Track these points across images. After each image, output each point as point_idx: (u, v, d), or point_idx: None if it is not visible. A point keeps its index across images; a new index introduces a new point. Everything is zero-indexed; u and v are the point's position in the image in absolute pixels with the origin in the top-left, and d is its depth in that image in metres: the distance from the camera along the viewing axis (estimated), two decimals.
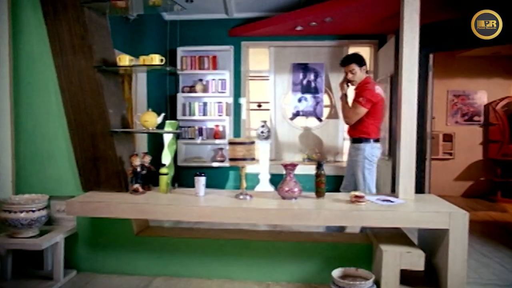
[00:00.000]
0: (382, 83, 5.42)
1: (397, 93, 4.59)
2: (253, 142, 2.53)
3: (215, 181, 6.12)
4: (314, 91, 6.31)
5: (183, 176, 5.50)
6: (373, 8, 4.57)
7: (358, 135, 3.23)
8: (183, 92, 6.08)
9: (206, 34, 6.08)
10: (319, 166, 2.50)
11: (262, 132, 5.69)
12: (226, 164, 6.03)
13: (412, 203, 2.37)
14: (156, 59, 2.61)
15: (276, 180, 5.20)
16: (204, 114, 5.99)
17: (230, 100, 6.03)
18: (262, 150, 5.62)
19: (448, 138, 6.08)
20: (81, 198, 2.49)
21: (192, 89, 6.03)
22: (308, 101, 6.32)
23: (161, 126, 5.64)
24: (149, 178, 2.73)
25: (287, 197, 2.45)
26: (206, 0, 5.62)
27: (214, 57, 5.94)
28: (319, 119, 6.48)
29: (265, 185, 5.65)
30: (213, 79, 5.99)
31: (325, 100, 6.44)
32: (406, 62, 2.46)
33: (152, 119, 2.71)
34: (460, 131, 6.09)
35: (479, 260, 3.13)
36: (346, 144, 6.63)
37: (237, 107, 6.15)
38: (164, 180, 2.66)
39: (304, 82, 6.30)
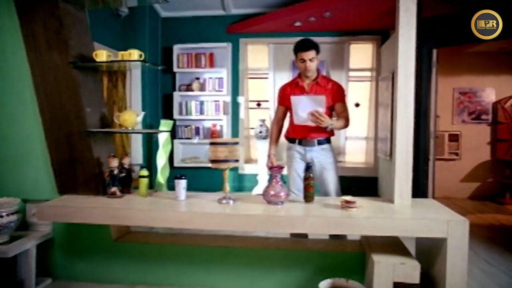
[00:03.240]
0: (385, 81, 5.22)
1: None
2: (236, 143, 2.36)
3: (212, 182, 5.96)
4: None
5: None
6: (373, 2, 4.38)
7: (327, 135, 2.81)
8: (180, 90, 5.93)
9: (203, 31, 5.92)
10: (307, 168, 2.32)
11: (260, 131, 5.51)
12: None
13: (407, 209, 2.18)
14: (134, 55, 2.45)
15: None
16: (201, 113, 5.84)
17: (228, 98, 5.87)
18: (261, 150, 5.45)
19: (454, 137, 5.84)
20: (53, 203, 2.34)
21: (189, 87, 5.88)
22: None
23: (156, 125, 5.52)
24: (129, 181, 2.57)
25: (272, 201, 2.27)
26: None
27: (211, 55, 5.78)
28: None
29: (264, 186, 5.47)
30: (210, 77, 5.83)
31: None
32: (402, 56, 2.28)
33: (131, 118, 2.54)
34: (467, 130, 5.84)
35: (483, 269, 2.92)
36: (349, 144, 6.44)
37: (235, 106, 5.98)
38: (144, 183, 2.50)
39: None
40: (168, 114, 5.93)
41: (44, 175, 2.59)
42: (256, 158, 6.27)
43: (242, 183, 6.03)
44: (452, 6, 4.15)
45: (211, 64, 5.78)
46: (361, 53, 6.06)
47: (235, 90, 5.96)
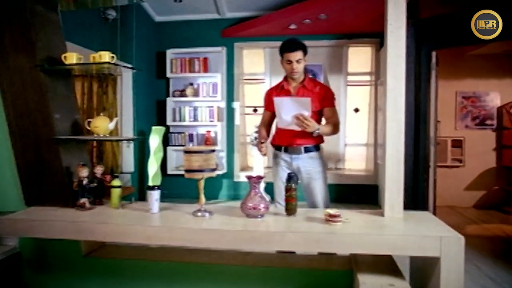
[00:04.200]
0: (383, 85, 5.03)
1: None
2: (212, 151, 2.18)
3: (207, 190, 5.79)
4: None
5: (173, 185, 5.19)
6: (370, 3, 4.21)
7: (315, 142, 2.62)
8: (173, 96, 5.79)
9: (197, 35, 5.80)
10: (289, 179, 2.14)
11: (256, 138, 5.33)
12: (218, 172, 5.70)
13: (398, 224, 1.98)
14: (105, 57, 2.30)
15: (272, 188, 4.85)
16: (195, 120, 5.69)
17: (222, 104, 5.72)
18: (257, 157, 5.26)
19: (457, 143, 5.61)
20: (15, 215, 2.17)
21: (182, 93, 5.74)
22: None
23: (147, 132, 5.35)
24: (101, 191, 2.41)
25: (251, 215, 2.09)
26: None
27: (205, 59, 5.64)
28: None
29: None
30: (204, 82, 5.68)
31: None
32: (392, 56, 2.09)
33: (103, 125, 2.38)
34: (471, 136, 5.62)
35: (486, 287, 2.70)
36: (348, 150, 6.24)
37: (230, 111, 5.82)
38: (116, 193, 2.33)
39: None
40: (162, 120, 5.78)
41: (12, 186, 2.42)
42: (252, 165, 6.08)
43: (237, 191, 5.85)
44: (451, 6, 3.97)
45: (205, 69, 5.64)
46: (360, 57, 5.89)
47: (230, 95, 5.81)
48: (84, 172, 2.28)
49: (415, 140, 4.12)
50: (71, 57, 2.33)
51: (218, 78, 5.60)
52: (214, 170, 2.19)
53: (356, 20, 4.85)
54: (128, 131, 5.17)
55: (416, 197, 4.19)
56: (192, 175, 2.14)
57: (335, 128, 2.55)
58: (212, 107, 5.62)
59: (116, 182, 2.35)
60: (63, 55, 2.33)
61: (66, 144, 2.38)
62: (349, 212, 2.20)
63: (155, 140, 5.11)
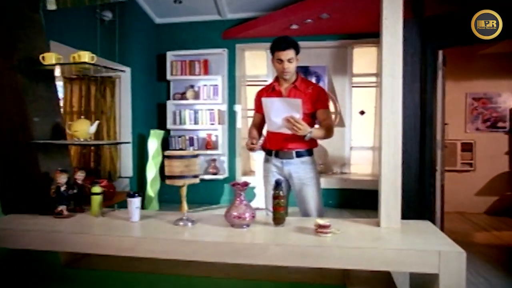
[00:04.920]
0: None
1: (403, 97, 4.03)
2: (195, 156, 2.04)
3: (208, 195, 5.67)
4: None
5: (174, 190, 5.07)
6: (372, 2, 4.03)
7: (307, 146, 2.44)
8: (174, 99, 5.68)
9: (198, 37, 5.69)
10: (277, 185, 1.99)
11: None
12: (220, 176, 5.57)
13: (394, 236, 1.81)
14: (85, 57, 2.19)
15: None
16: (196, 123, 5.57)
17: (224, 107, 5.59)
18: (259, 161, 5.12)
19: (467, 147, 5.37)
20: None
21: (183, 96, 5.63)
22: None
23: (146, 136, 5.26)
24: (82, 198, 2.29)
25: (236, 224, 1.94)
26: (196, 0, 5.23)
27: (206, 61, 5.52)
28: None
29: (262, 200, 5.14)
30: (205, 85, 5.56)
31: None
32: (387, 53, 1.93)
33: (82, 128, 2.28)
34: (482, 139, 5.37)
35: None
36: (354, 154, 6.05)
37: (232, 115, 5.69)
38: (96, 201, 2.21)
39: None
40: (162, 123, 5.68)
41: None
42: (254, 169, 5.95)
43: None
44: (458, 3, 3.78)
45: (206, 71, 5.52)
46: (365, 58, 5.71)
47: (232, 98, 5.68)
48: (62, 178, 2.16)
49: (420, 144, 3.92)
50: (50, 58, 2.23)
51: (219, 80, 5.48)
52: (196, 176, 2.05)
53: (359, 19, 4.68)
54: (126, 134, 5.07)
55: (422, 203, 3.98)
56: (173, 181, 2.01)
57: (328, 131, 2.38)
58: (212, 110, 5.50)
59: (96, 189, 2.23)
60: (41, 56, 2.23)
61: (46, 149, 2.27)
62: (342, 222, 2.04)
63: (153, 144, 5.03)
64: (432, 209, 3.95)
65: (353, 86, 5.82)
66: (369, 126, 5.87)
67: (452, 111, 5.13)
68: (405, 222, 2.01)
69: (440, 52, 3.86)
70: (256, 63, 5.94)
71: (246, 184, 1.98)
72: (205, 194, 5.45)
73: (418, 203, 3.98)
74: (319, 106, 2.41)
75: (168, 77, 5.60)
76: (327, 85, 5.71)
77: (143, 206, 5.18)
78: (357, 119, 5.90)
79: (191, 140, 5.57)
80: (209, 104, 5.55)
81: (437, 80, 3.89)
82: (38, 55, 2.34)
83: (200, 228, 1.97)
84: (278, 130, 2.31)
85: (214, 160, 5.59)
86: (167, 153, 2.03)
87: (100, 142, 2.49)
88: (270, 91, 2.52)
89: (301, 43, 5.51)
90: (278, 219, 1.97)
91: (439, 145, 3.92)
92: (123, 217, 2.18)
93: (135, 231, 1.95)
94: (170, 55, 5.59)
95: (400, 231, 1.88)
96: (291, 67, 2.37)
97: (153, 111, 5.77)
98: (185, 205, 2.06)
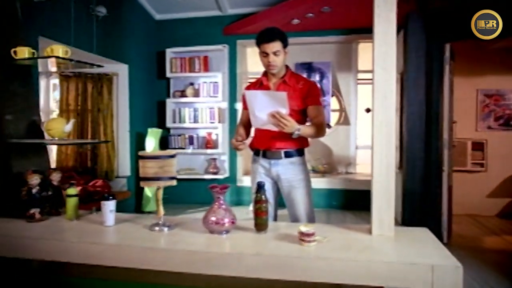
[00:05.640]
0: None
1: (407, 93, 3.82)
2: (172, 156, 1.90)
3: (209, 195, 5.52)
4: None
5: (174, 190, 4.95)
6: None
7: (297, 146, 2.28)
8: (174, 97, 5.56)
9: (198, 33, 5.55)
10: (259, 189, 1.83)
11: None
12: (220, 176, 5.44)
13: (385, 245, 1.64)
14: (57, 51, 2.06)
15: None
16: (195, 121, 5.43)
17: (224, 105, 5.44)
18: None
19: (478, 146, 5.12)
20: None
21: (183, 93, 5.50)
22: None
23: (144, 135, 5.14)
24: (58, 200, 2.16)
25: (215, 230, 1.80)
26: None
27: (206, 58, 5.38)
28: (328, 126, 5.74)
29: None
30: (205, 82, 5.42)
31: (333, 103, 5.71)
32: (379, 43, 1.76)
33: (57, 127, 2.14)
34: (494, 137, 5.11)
35: None
36: (360, 154, 5.85)
37: (233, 113, 5.53)
38: (71, 203, 2.08)
39: None
40: (162, 122, 5.56)
41: None
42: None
43: (240, 197, 5.56)
44: None
45: (206, 68, 5.38)
46: (371, 53, 5.48)
47: (233, 95, 5.53)
48: (33, 180, 2.04)
49: (426, 143, 3.72)
50: (22, 52, 2.11)
51: (219, 77, 5.33)
52: (173, 178, 1.90)
53: (363, 13, 4.44)
54: (124, 133, 4.97)
55: (428, 205, 3.79)
56: (147, 183, 1.87)
57: (319, 129, 2.21)
58: (212, 108, 5.36)
59: (71, 191, 2.10)
60: (12, 50, 2.10)
61: (19, 149, 2.16)
62: (330, 228, 1.88)
63: (151, 142, 4.90)
64: (438, 211, 3.74)
65: (358, 83, 5.62)
66: None
67: (462, 108, 4.90)
68: (400, 229, 1.84)
69: (447, 46, 3.65)
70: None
71: (225, 187, 1.83)
72: (205, 194, 5.29)
73: (423, 205, 3.79)
74: (309, 102, 2.24)
75: (168, 74, 5.48)
76: (331, 81, 5.52)
77: (140, 207, 5.09)
78: (363, 117, 5.69)
79: (190, 139, 5.44)
80: (209, 102, 5.41)
81: (444, 76, 3.68)
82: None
83: (175, 235, 1.82)
84: (263, 127, 2.15)
85: (214, 159, 5.45)
86: (140, 153, 1.89)
87: (76, 141, 2.37)
88: (258, 86, 2.36)
89: (305, 39, 5.39)
90: (260, 225, 1.82)
91: (446, 144, 3.71)
92: (98, 221, 2.05)
93: (104, 237, 1.82)
94: (169, 52, 5.47)
95: (393, 239, 1.70)
96: (277, 61, 2.20)
97: (152, 109, 5.66)
98: (161, 209, 1.92)
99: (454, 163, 4.25)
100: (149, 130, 4.97)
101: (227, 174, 5.52)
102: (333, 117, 5.77)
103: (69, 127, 2.18)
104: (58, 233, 1.87)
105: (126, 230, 1.91)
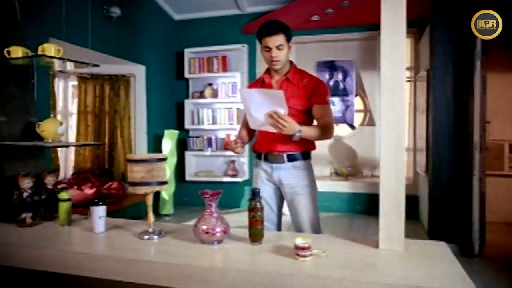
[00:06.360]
0: (421, 81, 4.35)
1: (433, 92, 3.55)
2: (161, 159, 1.77)
3: (228, 198, 5.40)
4: (343, 93, 5.37)
5: (193, 192, 4.87)
6: None
7: (301, 149, 2.08)
8: (193, 98, 5.48)
9: (217, 33, 5.45)
10: (253, 195, 1.67)
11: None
12: (240, 179, 5.30)
13: (391, 263, 1.44)
14: (49, 50, 1.98)
15: None
16: (214, 123, 5.32)
17: (243, 106, 5.29)
18: None
19: None
20: None
21: (202, 94, 5.42)
22: (336, 105, 5.39)
23: (161, 137, 5.08)
24: (52, 204, 2.09)
25: (205, 240, 1.65)
26: None
27: (224, 58, 5.27)
28: (352, 127, 5.50)
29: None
30: (223, 83, 5.31)
31: (357, 103, 5.46)
32: (387, 33, 1.57)
33: (50, 129, 2.08)
34: None
35: None
36: None
37: None
38: (64, 208, 1.99)
39: (331, 83, 5.39)
40: (182, 123, 5.50)
41: None
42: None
43: None
44: None
45: (224, 68, 5.27)
46: None
47: None
48: (25, 183, 1.98)
49: (454, 145, 3.42)
50: (16, 51, 2.05)
51: (237, 77, 5.20)
52: (162, 183, 1.78)
53: None
54: (141, 134, 4.93)
55: (456, 213, 3.49)
56: (134, 189, 1.74)
57: (325, 131, 2.00)
58: (231, 108, 5.23)
59: (64, 195, 2.01)
60: (5, 50, 2.05)
61: (13, 151, 2.10)
62: (335, 240, 1.70)
63: (168, 144, 4.83)
64: (469, 220, 3.44)
65: None
66: None
67: (497, 107, 4.53)
68: (413, 243, 1.63)
69: (479, 39, 3.34)
70: None
71: (217, 193, 1.68)
72: (224, 197, 5.14)
73: (452, 213, 3.49)
74: (315, 101, 2.04)
75: (186, 75, 5.41)
76: (355, 80, 5.27)
77: (157, 209, 5.03)
78: None
79: (209, 140, 5.34)
80: (228, 103, 5.29)
81: (475, 72, 3.38)
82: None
83: (163, 244, 1.69)
84: (260, 128, 1.98)
85: (233, 161, 5.33)
86: (128, 156, 1.77)
87: (69, 144, 2.30)
88: (259, 85, 2.20)
89: (327, 36, 5.17)
90: (254, 235, 1.65)
91: (477, 146, 3.40)
92: (90, 226, 1.95)
93: (89, 246, 1.71)
94: (187, 52, 5.40)
95: (401, 256, 1.49)
96: (280, 56, 2.03)
97: (171, 111, 5.60)
98: (151, 216, 1.79)
99: (488, 167, 3.90)
100: (166, 131, 4.91)
101: (246, 177, 5.37)
102: (358, 118, 5.51)
103: (62, 129, 2.10)
104: (44, 239, 1.78)
105: (114, 238, 1.80)
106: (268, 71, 2.18)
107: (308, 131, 1.93)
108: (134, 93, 4.89)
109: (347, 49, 5.28)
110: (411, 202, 4.88)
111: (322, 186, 5.41)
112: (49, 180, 2.11)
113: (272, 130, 1.89)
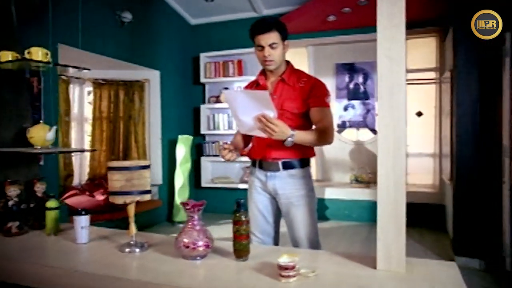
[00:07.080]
0: (446, 83, 4.07)
1: (457, 93, 3.29)
2: (144, 167, 1.66)
3: (245, 204, 5.28)
4: (364, 96, 5.15)
5: (209, 199, 4.78)
6: None
7: (298, 156, 1.92)
8: (209, 102, 5.41)
9: (233, 37, 5.35)
10: (238, 207, 1.52)
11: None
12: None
13: (387, 286, 1.25)
14: (37, 54, 1.93)
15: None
16: (230, 128, 5.22)
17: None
18: None
19: None
20: None
21: (218, 99, 5.34)
22: (357, 109, 5.17)
23: (174, 142, 5.01)
24: (39, 213, 2.02)
25: (186, 255, 1.52)
26: None
27: (240, 62, 5.17)
28: (373, 131, 5.26)
29: None
30: (239, 87, 5.20)
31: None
32: (383, 26, 1.41)
33: (39, 135, 2.01)
34: None
35: None
36: (410, 162, 5.25)
37: None
38: (51, 217, 1.92)
39: (351, 85, 5.18)
40: (199, 128, 5.43)
41: None
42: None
43: None
44: None
45: (240, 72, 5.17)
46: (421, 50, 4.93)
47: None
48: (11, 191, 1.93)
49: (481, 150, 3.14)
50: (6, 56, 2.00)
51: None
52: (146, 192, 1.66)
53: (409, 4, 3.97)
54: (156, 140, 4.89)
55: (484, 224, 3.20)
56: (114, 199, 1.64)
57: (322, 135, 1.83)
58: None
59: (52, 203, 1.94)
60: None
61: (4, 158, 2.05)
62: (329, 258, 1.53)
63: (181, 150, 4.76)
64: (498, 232, 3.14)
65: (407, 84, 5.05)
66: (428, 129, 5.06)
67: None
68: (417, 262, 1.44)
69: (508, 35, 3.06)
70: (296, 61, 5.41)
71: (200, 204, 1.55)
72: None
73: (477, 224, 3.21)
74: (312, 104, 1.87)
75: (202, 79, 5.35)
76: (375, 83, 5.03)
77: (171, 216, 4.96)
78: (414, 122, 5.11)
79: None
80: None
81: (503, 70, 3.10)
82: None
83: (143, 258, 1.57)
84: (250, 133, 1.83)
85: (249, 167, 5.19)
86: (108, 163, 1.67)
87: (56, 150, 2.24)
88: (254, 87, 2.06)
89: (346, 37, 4.96)
90: (239, 251, 1.50)
91: (507, 151, 3.10)
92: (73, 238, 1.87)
93: (66, 259, 1.61)
94: (203, 57, 5.33)
95: (400, 279, 1.31)
96: (275, 55, 1.88)
97: (188, 116, 5.55)
98: (133, 228, 1.67)
99: None
100: (179, 137, 4.85)
101: None
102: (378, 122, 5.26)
103: (50, 135, 2.04)
104: (24, 250, 1.71)
105: (95, 250, 1.70)
106: (263, 72, 2.04)
107: (302, 136, 1.77)
108: (148, 99, 4.87)
109: (368, 51, 5.04)
110: (438, 212, 4.59)
111: (341, 193, 5.22)
112: (39, 188, 2.05)
113: (262, 134, 1.74)
